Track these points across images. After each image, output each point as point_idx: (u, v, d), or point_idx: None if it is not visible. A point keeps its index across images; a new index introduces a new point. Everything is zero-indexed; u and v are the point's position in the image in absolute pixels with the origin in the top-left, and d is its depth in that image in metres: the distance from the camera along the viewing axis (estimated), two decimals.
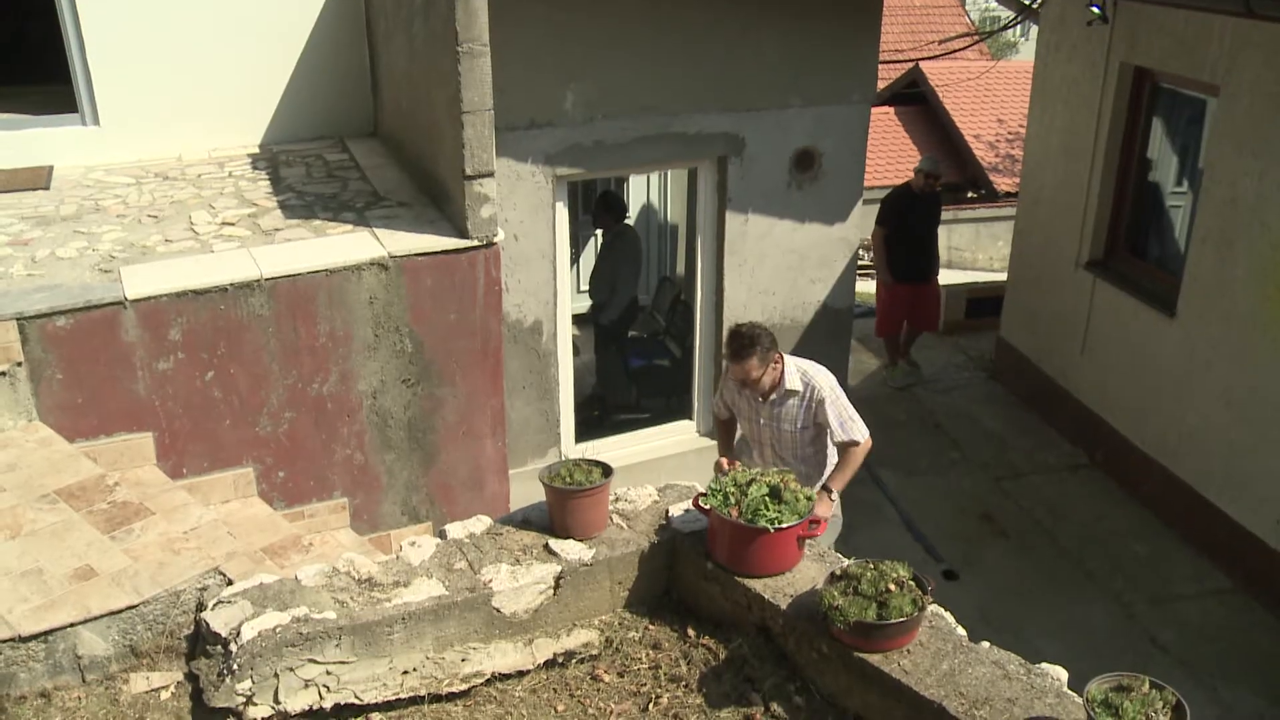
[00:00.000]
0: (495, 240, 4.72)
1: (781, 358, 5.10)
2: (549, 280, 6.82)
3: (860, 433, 5.11)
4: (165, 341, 4.37)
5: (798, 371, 5.13)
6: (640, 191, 10.84)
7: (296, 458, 4.74)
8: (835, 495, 5.15)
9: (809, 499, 3.47)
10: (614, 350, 8.89)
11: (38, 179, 5.76)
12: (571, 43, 6.53)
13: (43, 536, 3.63)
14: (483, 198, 4.62)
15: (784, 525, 3.34)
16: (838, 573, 3.22)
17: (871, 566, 3.17)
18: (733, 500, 3.41)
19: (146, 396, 4.42)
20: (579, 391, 7.61)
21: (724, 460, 4.97)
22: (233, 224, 5.02)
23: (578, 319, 7.85)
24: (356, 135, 6.36)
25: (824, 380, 5.14)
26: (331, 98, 6.32)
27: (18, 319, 4.16)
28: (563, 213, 6.89)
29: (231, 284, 4.39)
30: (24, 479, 3.94)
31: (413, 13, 5.10)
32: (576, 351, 7.66)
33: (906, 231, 9.57)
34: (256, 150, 6.24)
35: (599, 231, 9.60)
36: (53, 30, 5.96)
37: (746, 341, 4.94)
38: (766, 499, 3.41)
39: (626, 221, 9.24)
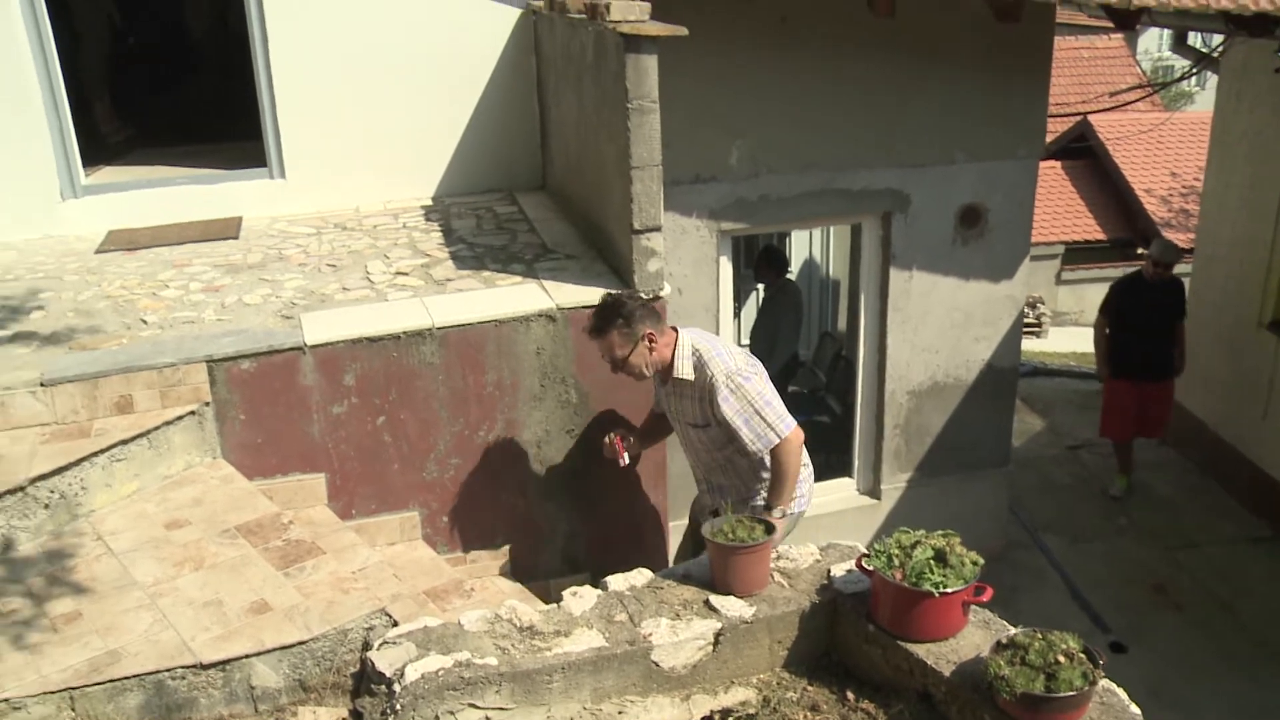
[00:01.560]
0: (662, 294, 4.76)
1: (672, 337, 4.31)
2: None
3: (779, 429, 4.22)
4: (340, 386, 4.53)
5: (691, 355, 4.29)
6: (802, 246, 10.83)
7: (461, 504, 4.83)
8: (782, 513, 4.31)
9: (975, 563, 3.38)
10: None
11: (229, 229, 6.07)
12: (737, 98, 6.60)
13: (223, 570, 3.78)
14: (650, 252, 4.68)
15: (949, 590, 3.27)
16: (1004, 641, 3.13)
17: (1039, 636, 3.07)
18: (897, 562, 3.35)
19: (321, 439, 4.58)
20: None
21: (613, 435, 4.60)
22: (406, 274, 5.19)
23: None
24: (525, 189, 6.52)
25: (722, 365, 4.23)
26: (502, 152, 6.49)
27: (207, 361, 4.38)
28: (726, 267, 6.93)
29: (404, 332, 4.53)
30: (208, 514, 4.12)
31: (583, 70, 5.21)
32: None
33: (1132, 322, 8.59)
34: (429, 202, 6.44)
35: (760, 285, 9.61)
36: (250, 92, 6.30)
37: (604, 312, 4.25)
38: (931, 562, 3.34)
39: (788, 276, 9.24)
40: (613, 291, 4.46)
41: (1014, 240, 7.44)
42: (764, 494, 4.43)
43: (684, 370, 4.28)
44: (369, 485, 4.70)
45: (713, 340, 4.37)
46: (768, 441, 4.23)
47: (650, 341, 4.24)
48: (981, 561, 3.42)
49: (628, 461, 4.61)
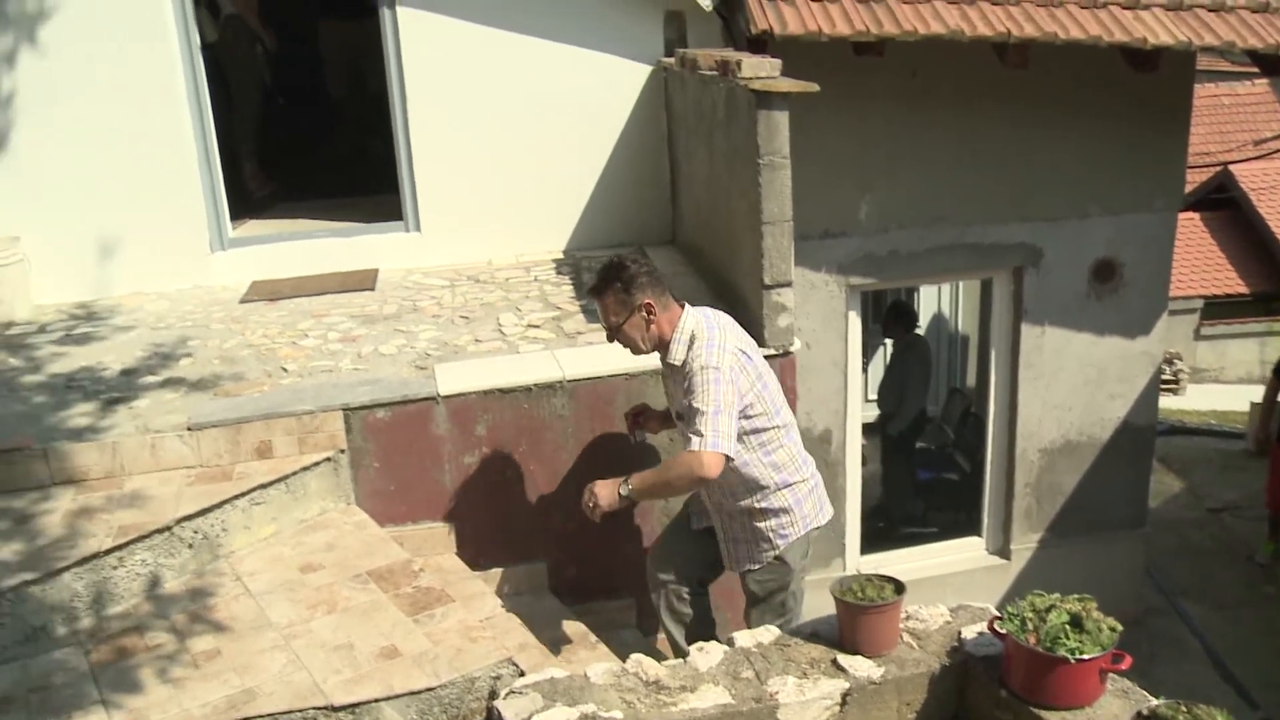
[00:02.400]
0: (792, 349, 4.75)
1: (676, 314, 3.88)
2: (840, 389, 6.81)
3: (708, 439, 3.58)
4: (471, 436, 4.61)
5: (687, 338, 3.84)
6: (931, 300, 10.70)
7: (586, 556, 4.86)
8: (628, 486, 3.79)
9: (1113, 629, 3.27)
10: (902, 461, 8.75)
11: (366, 281, 6.26)
12: (866, 153, 6.60)
13: (354, 614, 3.86)
14: (780, 307, 4.68)
15: (1085, 657, 3.17)
16: (1145, 713, 3.02)
17: (1185, 709, 2.95)
18: (1031, 626, 3.27)
19: (451, 488, 4.67)
20: (865, 502, 7.51)
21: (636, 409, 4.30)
22: (538, 326, 5.28)
23: (865, 428, 7.78)
24: (656, 243, 6.58)
25: (704, 356, 3.74)
26: (633, 206, 6.58)
27: (344, 409, 4.51)
28: (855, 322, 6.90)
29: (535, 384, 4.61)
30: (341, 559, 4.22)
31: (714, 126, 5.26)
32: (864, 461, 7.59)
33: None
34: (561, 256, 6.55)
35: (889, 340, 9.53)
36: (388, 148, 6.51)
37: (605, 273, 3.90)
38: (1067, 627, 3.24)
39: (917, 331, 9.14)
40: (621, 252, 4.20)
41: (1151, 295, 7.27)
42: (785, 528, 3.99)
43: (676, 353, 3.85)
44: (497, 535, 4.76)
45: (716, 325, 3.89)
46: (688, 442, 3.67)
47: (648, 313, 3.85)
48: (1119, 628, 3.31)
49: (637, 439, 4.45)
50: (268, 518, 4.36)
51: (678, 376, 3.87)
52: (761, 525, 4.00)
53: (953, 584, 7.19)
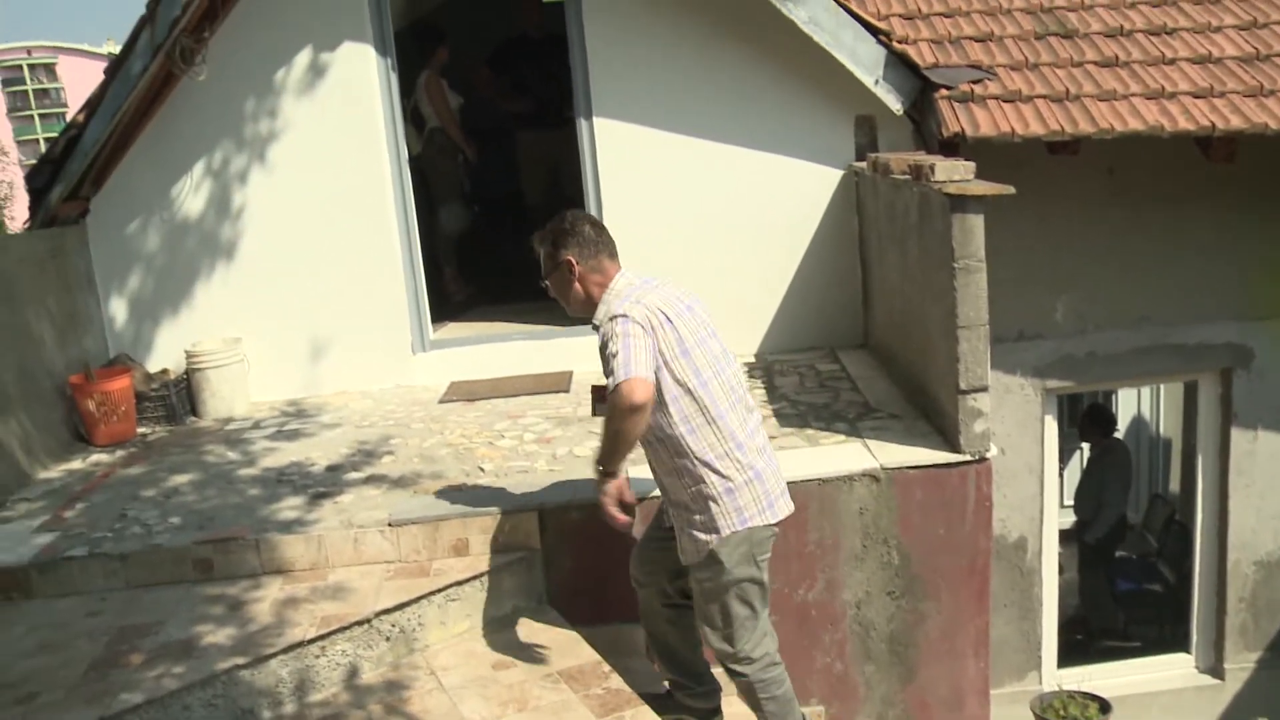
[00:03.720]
0: (987, 455, 4.65)
1: (610, 276, 3.77)
2: (1035, 495, 6.61)
3: (618, 374, 3.46)
4: None
5: (612, 297, 3.73)
6: (1130, 403, 10.34)
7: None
8: (600, 470, 3.69)
9: None
10: (1100, 571, 8.41)
11: (560, 383, 6.40)
12: (1061, 253, 6.48)
13: (545, 713, 3.88)
14: (976, 412, 4.59)
15: None
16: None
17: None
18: None
19: None
20: (1061, 613, 7.22)
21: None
22: None
23: (1062, 535, 7.50)
24: (847, 346, 6.53)
25: (609, 309, 3.65)
26: (824, 310, 6.56)
27: (539, 509, 4.60)
28: (1051, 426, 6.71)
29: None
30: (532, 657, 4.26)
31: (907, 229, 5.24)
32: (1060, 570, 7.31)
33: None
34: (752, 359, 6.56)
35: (1085, 444, 9.23)
36: None
37: (544, 228, 3.86)
38: None
39: (1115, 435, 8.83)
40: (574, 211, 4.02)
41: None
42: (718, 519, 3.70)
43: (599, 314, 3.71)
44: None
45: (643, 285, 3.76)
46: (612, 385, 3.50)
47: (569, 271, 3.76)
48: None
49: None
50: (462, 614, 4.45)
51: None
52: (694, 515, 3.75)
53: (1160, 703, 6.81)
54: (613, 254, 3.86)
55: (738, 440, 3.71)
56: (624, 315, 3.57)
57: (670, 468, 3.77)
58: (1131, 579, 8.62)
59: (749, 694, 3.95)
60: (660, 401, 3.62)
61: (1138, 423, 10.52)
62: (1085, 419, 8.87)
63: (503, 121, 8.47)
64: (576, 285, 3.82)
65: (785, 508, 3.85)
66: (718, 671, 4.15)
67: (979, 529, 4.72)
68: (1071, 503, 9.20)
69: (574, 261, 3.78)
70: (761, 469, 3.76)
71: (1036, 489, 6.68)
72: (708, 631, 3.91)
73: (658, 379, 3.58)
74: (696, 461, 3.68)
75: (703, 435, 3.67)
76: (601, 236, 3.86)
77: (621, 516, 3.72)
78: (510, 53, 8.28)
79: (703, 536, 3.74)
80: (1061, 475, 9.40)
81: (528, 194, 8.81)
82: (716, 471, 3.68)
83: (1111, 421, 8.98)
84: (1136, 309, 6.61)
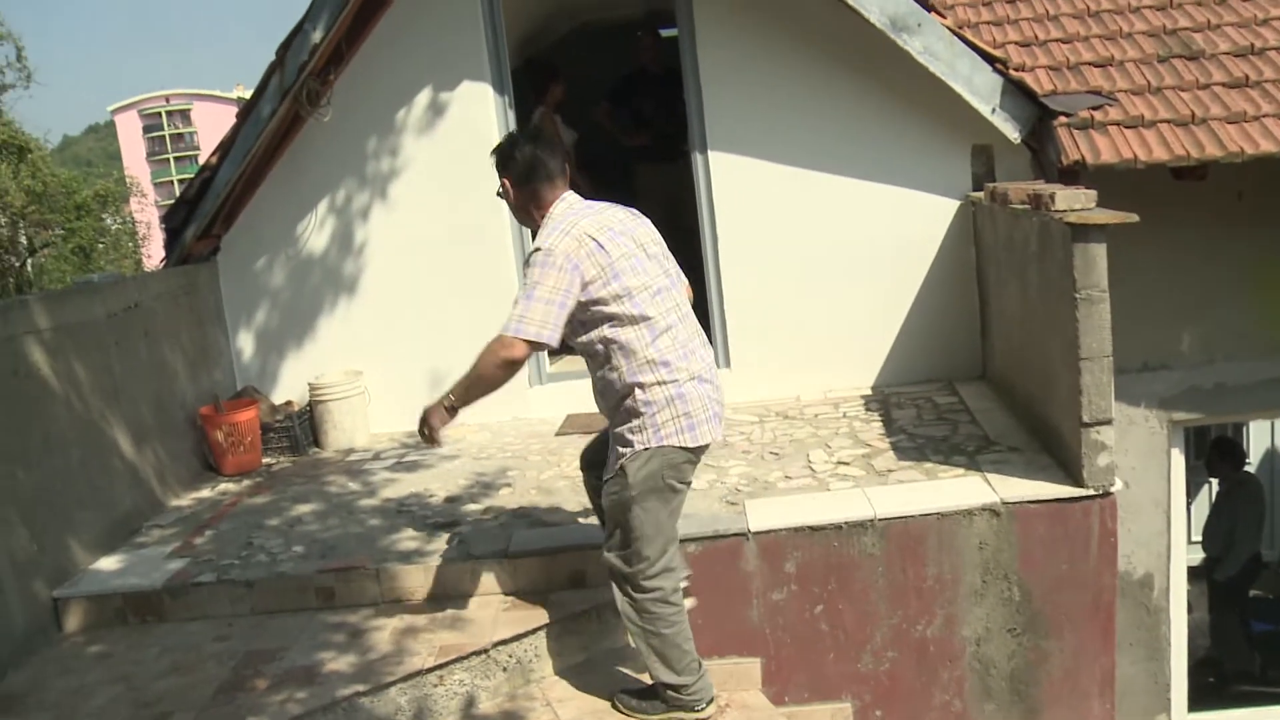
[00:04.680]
0: (1112, 490, 4.54)
1: (552, 200, 3.83)
2: (1162, 531, 6.42)
3: (511, 323, 3.57)
4: (780, 573, 4.61)
5: (545, 228, 3.78)
6: (1262, 435, 10.00)
7: (895, 699, 4.73)
8: (450, 402, 3.80)
9: None
10: (1233, 611, 8.12)
11: None
12: (1187, 281, 6.32)
13: None
14: (1100, 445, 4.48)
15: None
16: None
17: None
18: None
19: (759, 624, 4.66)
20: (1191, 654, 6.99)
21: None
22: (848, 463, 5.24)
23: (1190, 573, 7.27)
24: (965, 378, 6.44)
25: (549, 233, 3.70)
26: (941, 342, 6.48)
27: None
28: (1178, 459, 6.52)
29: (846, 522, 4.57)
30: None
31: (1027, 259, 5.16)
32: (1190, 609, 7.08)
33: None
34: (869, 392, 6.51)
35: (1214, 479, 8.94)
36: (699, 284, 6.68)
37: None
38: None
39: (1246, 469, 8.54)
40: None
41: None
42: (632, 434, 3.72)
43: (535, 243, 3.76)
44: (803, 673, 4.70)
45: (577, 210, 3.82)
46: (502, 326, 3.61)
47: (508, 194, 3.90)
48: None
49: None
50: (578, 646, 4.47)
51: None
52: (616, 428, 3.78)
53: None
54: (551, 178, 3.88)
55: (665, 360, 3.72)
56: (546, 249, 3.65)
57: (600, 381, 3.84)
58: (1268, 620, 8.32)
59: (630, 623, 3.93)
60: (591, 319, 3.71)
61: (1271, 456, 10.16)
62: (1213, 452, 8.59)
63: (621, 156, 8.55)
64: (520, 209, 3.94)
65: (709, 435, 3.81)
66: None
67: (1103, 565, 4.61)
68: (1200, 539, 8.90)
69: (509, 185, 3.90)
70: (688, 392, 3.74)
71: (1163, 524, 6.49)
72: (605, 547, 3.93)
73: (589, 299, 3.66)
74: (621, 377, 3.72)
75: (628, 352, 3.71)
76: (540, 160, 3.86)
77: (442, 443, 3.96)
78: (629, 87, 8.36)
79: (619, 449, 3.78)
80: (1189, 510, 9.13)
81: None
82: (639, 386, 3.71)
83: (1242, 455, 8.70)
84: (1269, 339, 6.40)
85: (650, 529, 3.78)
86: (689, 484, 3.88)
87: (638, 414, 3.72)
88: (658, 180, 8.11)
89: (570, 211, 3.81)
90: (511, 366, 3.67)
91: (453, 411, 3.84)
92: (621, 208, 3.97)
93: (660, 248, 3.94)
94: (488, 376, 3.71)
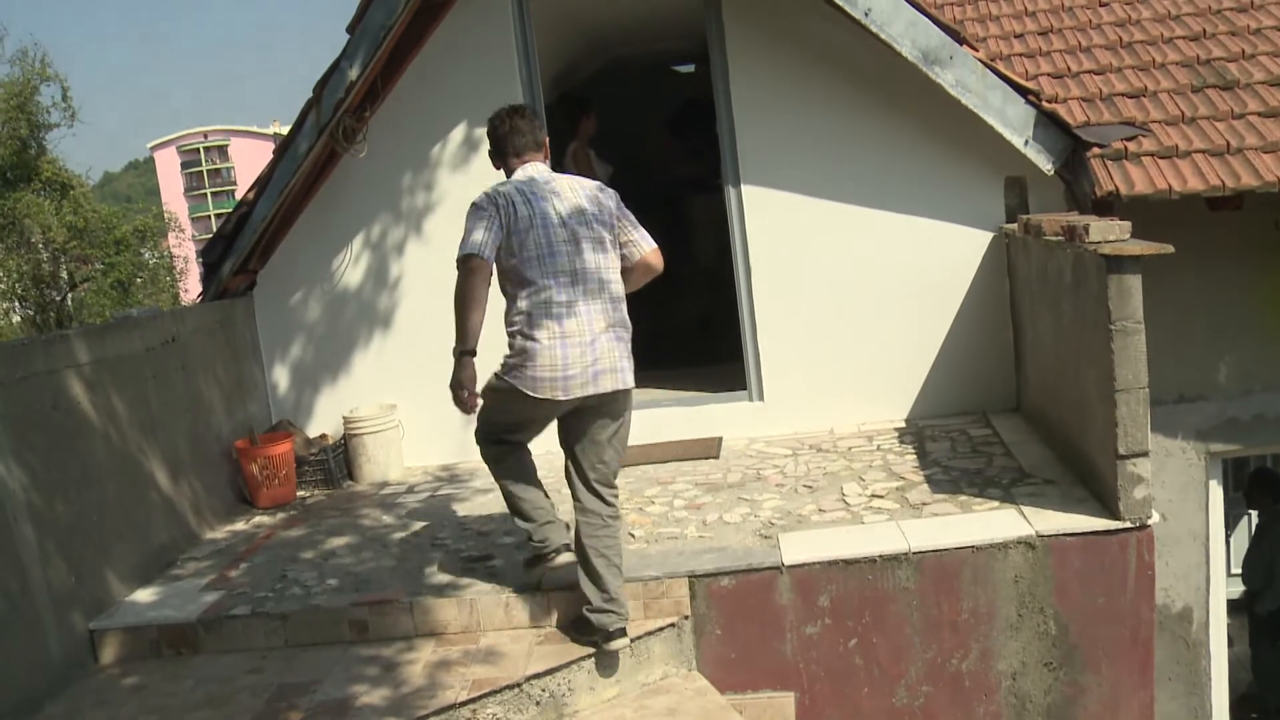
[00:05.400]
0: (1149, 522, 4.50)
1: (509, 169, 4.53)
2: (1200, 564, 6.36)
3: (459, 250, 4.28)
4: (814, 607, 4.58)
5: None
6: None
7: None
8: (454, 347, 4.34)
9: None
10: (1275, 645, 7.98)
11: (710, 449, 6.40)
12: (1223, 311, 6.27)
13: None
14: (1136, 478, 4.45)
15: None
16: None
17: None
18: None
19: (792, 658, 4.63)
20: (1233, 689, 6.88)
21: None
22: (881, 496, 5.22)
23: (1230, 606, 7.16)
24: (999, 410, 6.40)
25: (483, 193, 4.37)
26: (975, 374, 6.45)
27: (689, 576, 4.60)
28: (1216, 491, 6.46)
29: (880, 555, 4.54)
30: None
31: (1061, 291, 5.14)
32: (1230, 643, 6.98)
33: None
34: (903, 424, 6.48)
35: (1253, 511, 8.82)
36: (731, 318, 6.73)
37: None
38: None
39: None
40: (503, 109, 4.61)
41: None
42: (504, 360, 4.36)
43: None
44: (838, 707, 4.66)
45: (518, 178, 4.45)
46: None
47: (493, 162, 4.64)
48: None
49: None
50: (611, 680, 4.46)
51: None
52: (506, 356, 4.35)
53: None
54: (519, 152, 4.51)
55: (552, 314, 4.25)
56: (476, 204, 4.33)
57: (506, 317, 4.36)
58: None
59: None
60: (500, 268, 4.32)
61: None
62: (1253, 484, 8.47)
63: (664, 188, 8.59)
64: (500, 171, 4.59)
65: (551, 392, 4.26)
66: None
67: (1141, 598, 4.56)
68: (1239, 572, 8.78)
69: (490, 155, 4.61)
70: (543, 350, 4.25)
71: (1201, 557, 6.42)
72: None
73: (500, 248, 4.28)
74: (509, 316, 4.34)
75: (521, 301, 4.29)
76: (511, 134, 4.52)
77: (471, 400, 4.35)
78: (683, 120, 8.42)
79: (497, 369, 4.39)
80: (1228, 542, 9.00)
81: (701, 258, 8.83)
82: (511, 330, 4.33)
83: None
84: None
85: (483, 414, 4.54)
86: (536, 420, 4.54)
87: (509, 349, 4.34)
88: (710, 212, 8.14)
89: (516, 178, 4.44)
90: (469, 274, 4.21)
91: (462, 357, 4.30)
92: (579, 182, 4.54)
93: (590, 219, 4.40)
94: (461, 299, 4.23)
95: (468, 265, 4.20)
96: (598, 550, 4.39)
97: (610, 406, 4.40)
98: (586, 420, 4.40)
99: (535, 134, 4.52)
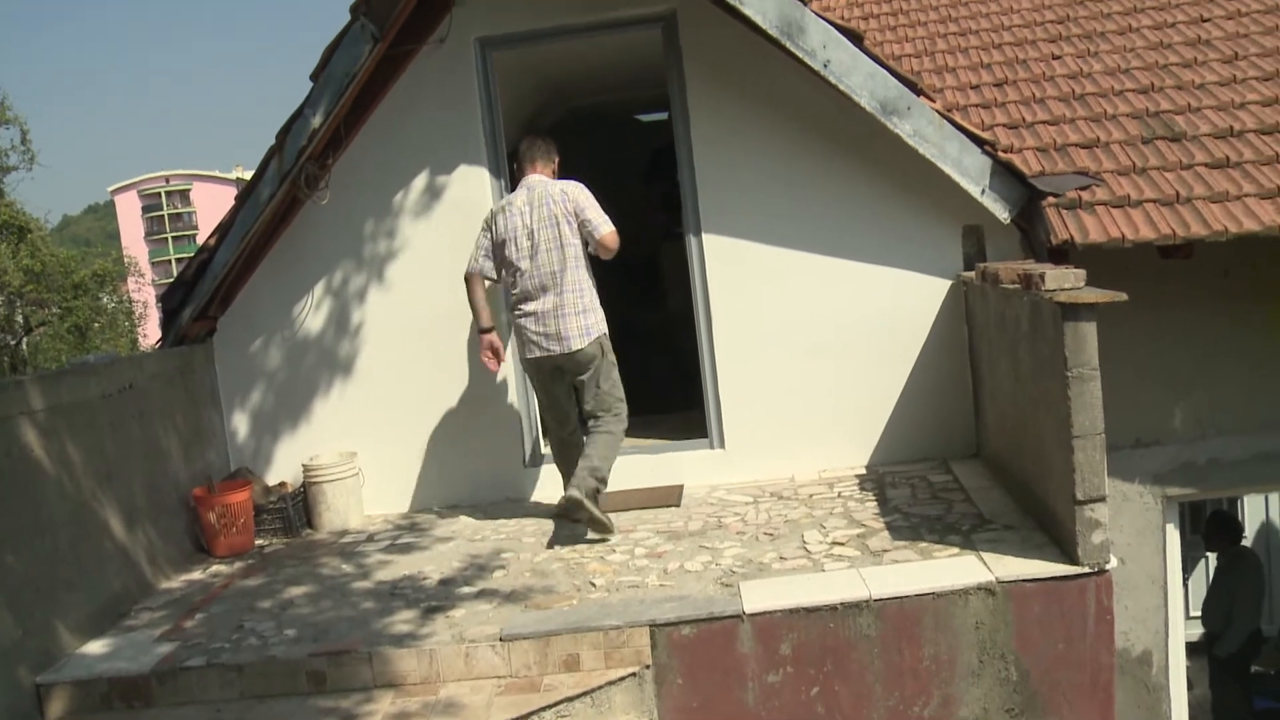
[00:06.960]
0: (1107, 567, 4.53)
1: (520, 178, 6.07)
2: (1159, 607, 6.40)
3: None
4: (776, 655, 4.56)
5: None
6: (1257, 509, 9.98)
7: None
8: (482, 330, 6.10)
9: None
10: (1235, 687, 8.04)
11: (670, 497, 6.39)
12: (1179, 357, 6.36)
13: None
14: (1094, 523, 4.48)
15: None
16: None
17: None
18: None
19: (754, 707, 4.60)
20: None
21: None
22: (842, 544, 5.21)
23: (1190, 649, 7.21)
24: (959, 457, 6.43)
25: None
26: (935, 421, 6.49)
27: (650, 625, 4.57)
28: (1173, 535, 6.52)
29: (841, 603, 4.53)
30: None
31: (1018, 338, 5.19)
32: (1190, 686, 7.02)
33: None
34: (863, 471, 6.49)
35: (1211, 554, 8.91)
36: (694, 368, 6.75)
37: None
38: None
39: (1243, 542, 8.52)
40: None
41: None
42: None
43: None
44: None
45: (513, 192, 6.08)
46: None
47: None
48: None
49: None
50: None
51: None
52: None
53: None
54: (522, 166, 6.05)
55: (514, 302, 5.94)
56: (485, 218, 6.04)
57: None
58: (1272, 696, 8.24)
59: None
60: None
61: (1267, 529, 10.13)
62: (1210, 526, 8.57)
63: (650, 237, 8.62)
64: None
65: (533, 353, 5.89)
66: None
67: (1100, 643, 4.58)
68: (1198, 614, 8.85)
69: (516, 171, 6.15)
70: (523, 324, 5.89)
71: (1160, 600, 6.46)
72: None
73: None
74: (508, 305, 6.10)
75: (506, 291, 6.09)
76: (524, 154, 6.05)
77: (494, 364, 6.07)
78: (654, 168, 8.47)
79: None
80: (1186, 585, 9.08)
81: (673, 302, 8.85)
82: (512, 314, 6.03)
83: (1239, 529, 8.67)
84: (1260, 413, 6.43)
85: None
86: (545, 374, 5.98)
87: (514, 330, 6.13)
88: (681, 259, 8.20)
89: (514, 191, 6.00)
90: (466, 285, 6.10)
91: (483, 334, 6.07)
92: (551, 188, 5.87)
93: (545, 221, 5.78)
94: (468, 296, 6.10)
95: (465, 279, 6.05)
96: (583, 450, 5.88)
97: (571, 364, 5.83)
98: (568, 376, 5.92)
99: (535, 151, 6.01)
